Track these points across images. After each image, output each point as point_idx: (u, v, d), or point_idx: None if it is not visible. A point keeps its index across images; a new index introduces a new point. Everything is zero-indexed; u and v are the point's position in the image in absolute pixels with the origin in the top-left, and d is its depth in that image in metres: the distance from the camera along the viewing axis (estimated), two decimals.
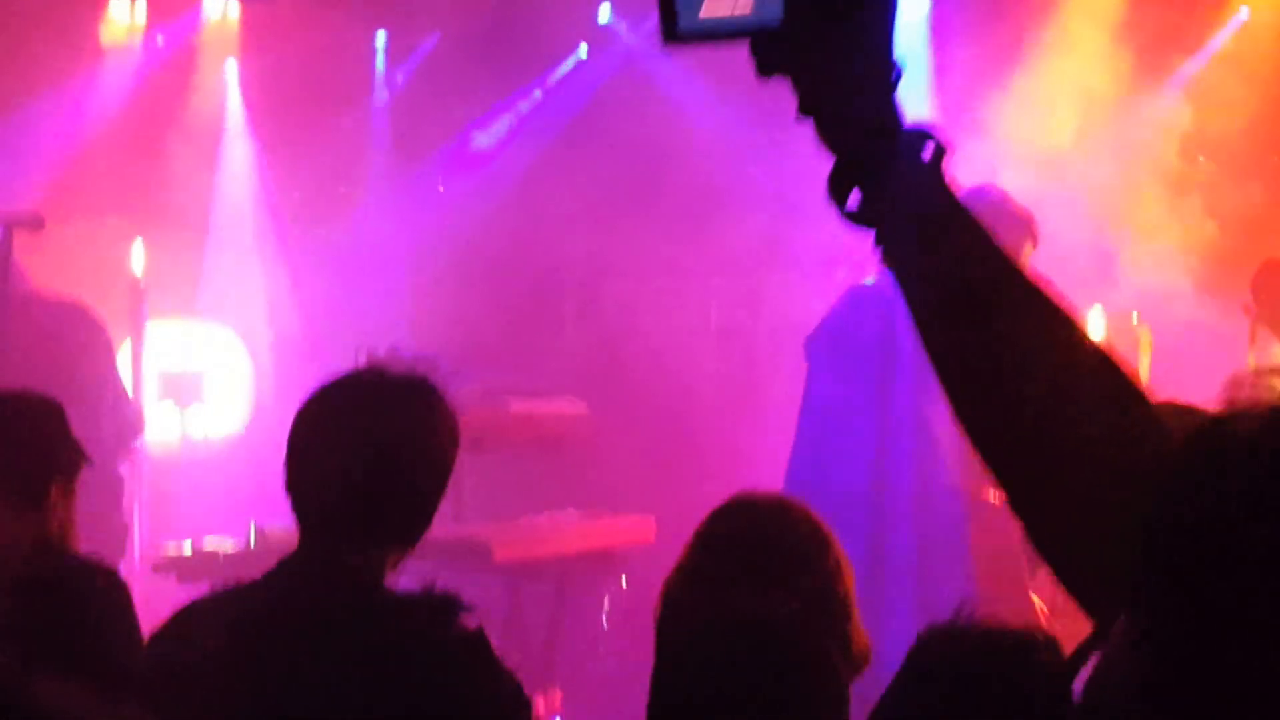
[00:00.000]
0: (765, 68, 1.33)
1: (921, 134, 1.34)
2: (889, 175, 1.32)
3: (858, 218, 1.35)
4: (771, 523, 2.42)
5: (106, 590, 2.90)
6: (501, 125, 8.32)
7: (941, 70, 7.03)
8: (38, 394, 3.08)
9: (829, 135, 1.34)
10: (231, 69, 7.96)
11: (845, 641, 2.37)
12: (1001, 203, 4.46)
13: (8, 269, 4.95)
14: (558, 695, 5.44)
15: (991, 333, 1.31)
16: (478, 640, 2.32)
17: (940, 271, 1.31)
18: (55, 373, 4.68)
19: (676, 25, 1.30)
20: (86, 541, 3.35)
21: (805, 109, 1.33)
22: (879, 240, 1.35)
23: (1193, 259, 6.34)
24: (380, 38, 8.15)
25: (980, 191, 4.45)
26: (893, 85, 1.33)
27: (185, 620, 2.44)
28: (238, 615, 2.35)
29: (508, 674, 2.34)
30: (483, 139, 8.27)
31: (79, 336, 5.10)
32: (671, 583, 2.42)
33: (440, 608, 2.31)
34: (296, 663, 2.27)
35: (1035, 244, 4.49)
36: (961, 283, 1.31)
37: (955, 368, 1.33)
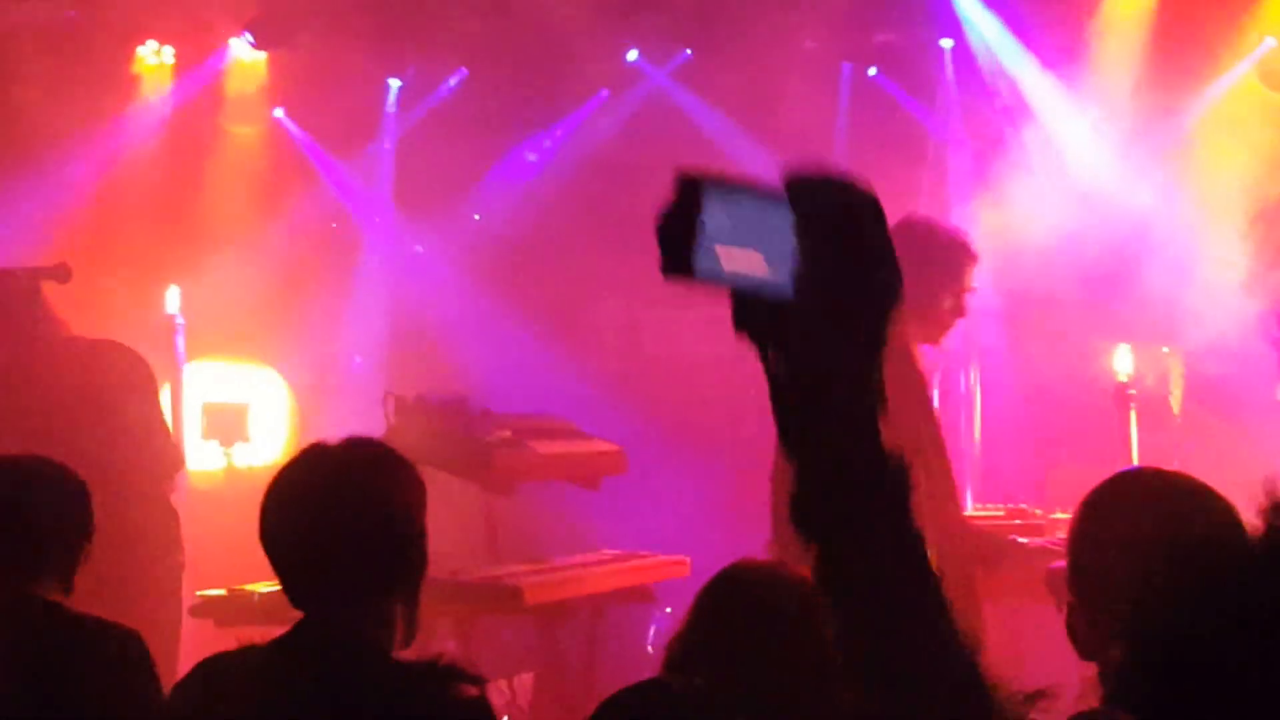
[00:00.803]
0: (747, 329, 1.27)
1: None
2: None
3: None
4: (767, 593, 2.46)
5: (120, 652, 2.93)
6: (534, 159, 8.37)
7: (971, 95, 7.03)
8: (51, 462, 3.13)
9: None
10: (261, 109, 8.06)
11: (842, 713, 2.40)
12: (929, 234, 4.45)
13: (36, 318, 5.03)
14: None
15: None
16: (480, 707, 2.36)
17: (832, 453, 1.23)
18: (98, 411, 4.86)
19: (691, 264, 1.24)
20: (143, 580, 3.43)
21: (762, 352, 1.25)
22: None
23: (1224, 289, 6.28)
24: (394, 86, 8.22)
25: (906, 226, 4.43)
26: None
27: (199, 682, 2.49)
28: (248, 681, 2.40)
29: None
30: (516, 173, 8.33)
31: (119, 374, 5.16)
32: (672, 649, 2.48)
33: (444, 675, 2.35)
34: None
35: (975, 262, 4.44)
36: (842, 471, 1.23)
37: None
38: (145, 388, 5.20)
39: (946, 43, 7.75)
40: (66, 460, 4.04)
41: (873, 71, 8.00)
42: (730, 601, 2.47)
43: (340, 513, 2.43)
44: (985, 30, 7.49)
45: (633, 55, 8.16)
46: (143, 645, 2.97)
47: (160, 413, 5.33)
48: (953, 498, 4.45)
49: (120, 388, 5.08)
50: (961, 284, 4.43)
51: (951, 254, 4.43)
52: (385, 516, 2.46)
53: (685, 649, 2.44)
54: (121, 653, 2.94)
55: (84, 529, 3.07)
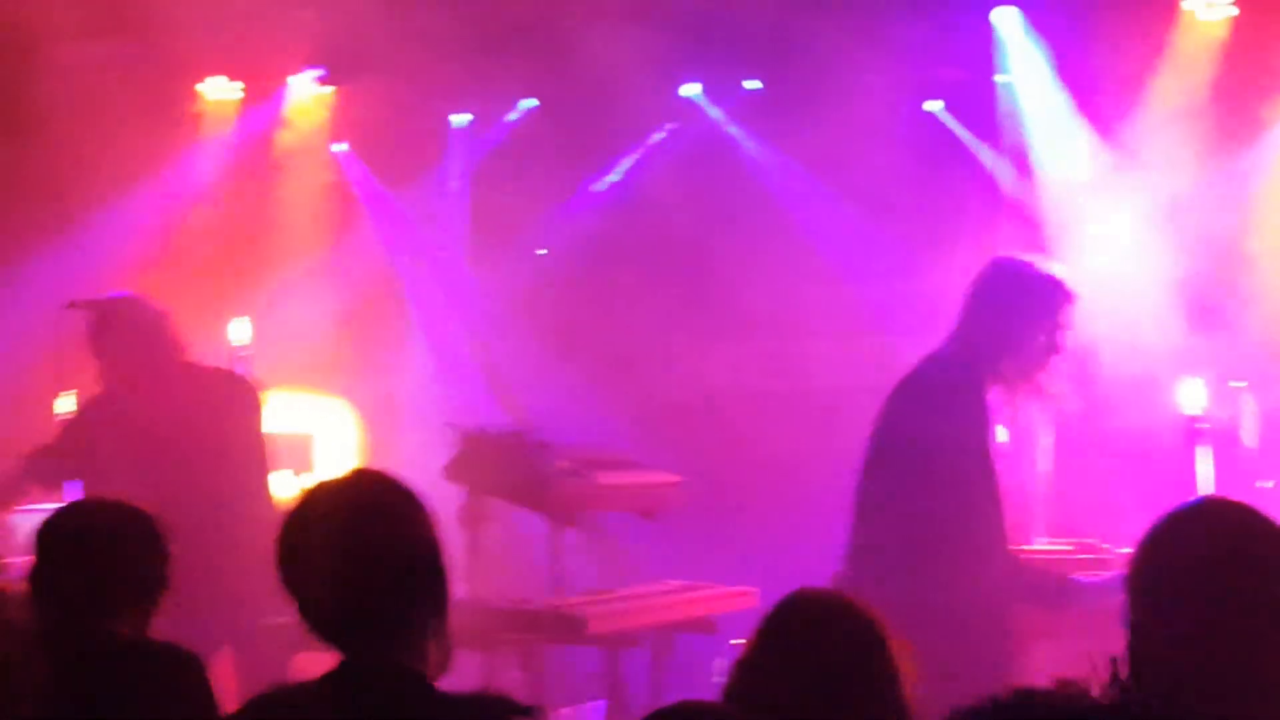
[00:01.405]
0: None
1: None
2: None
3: None
4: (829, 623, 2.46)
5: (178, 674, 2.94)
6: (593, 192, 8.41)
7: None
8: (138, 511, 3.15)
9: None
10: (324, 144, 8.15)
11: None
12: (1019, 273, 4.43)
13: (160, 344, 5.20)
14: None
15: None
16: None
17: None
18: (214, 436, 5.05)
19: None
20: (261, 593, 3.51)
21: None
22: None
23: None
24: (461, 118, 8.28)
25: (996, 266, 4.43)
26: None
27: (251, 715, 2.49)
28: (299, 717, 2.40)
29: None
30: (580, 207, 8.37)
31: (235, 402, 5.29)
32: (734, 676, 2.48)
33: (494, 706, 2.35)
34: None
35: (1071, 301, 4.40)
36: None
37: None
38: (254, 413, 5.30)
39: (1004, 79, 7.69)
40: (177, 482, 4.17)
41: (938, 106, 7.97)
42: (793, 629, 2.46)
43: (351, 544, 2.41)
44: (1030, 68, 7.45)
45: (695, 89, 8.17)
46: (201, 669, 2.98)
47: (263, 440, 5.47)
48: (1001, 540, 4.41)
49: (231, 413, 5.18)
50: (1055, 321, 4.39)
51: (1044, 292, 4.39)
52: (406, 545, 2.44)
53: (747, 676, 2.44)
54: (179, 675, 2.94)
55: (161, 579, 3.09)
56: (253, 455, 5.30)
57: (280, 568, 2.45)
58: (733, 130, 8.12)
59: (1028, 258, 4.61)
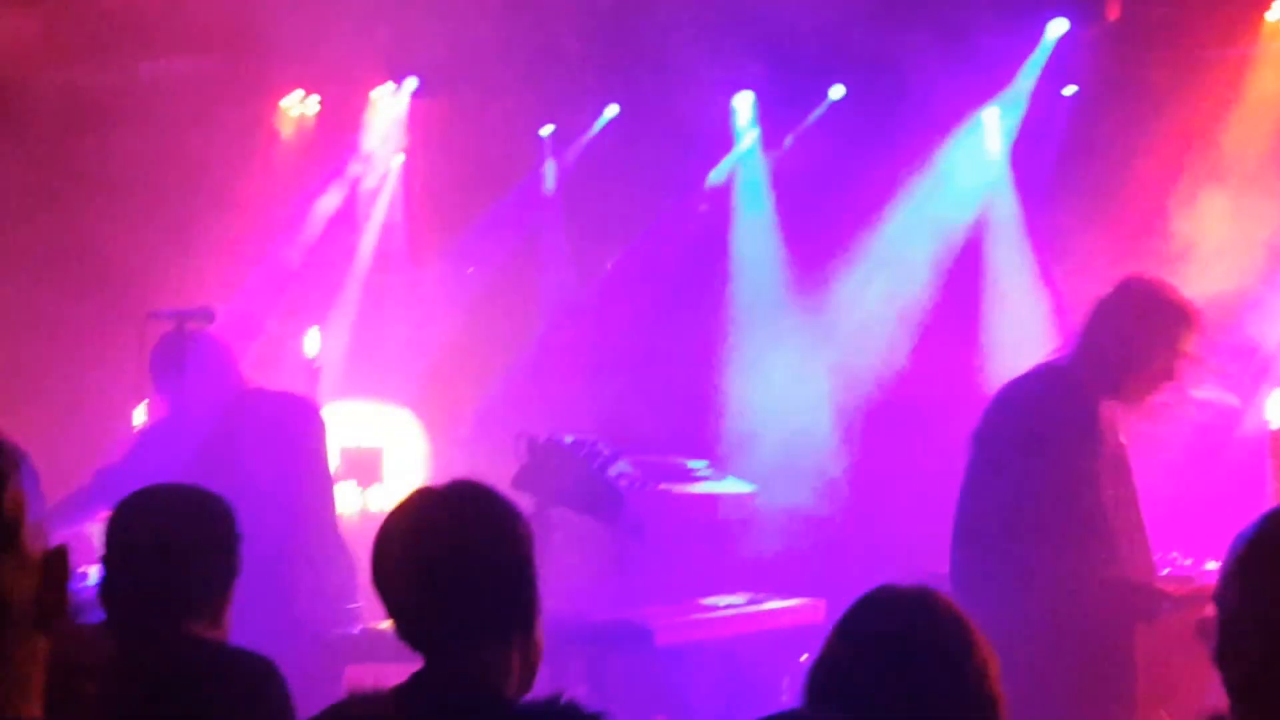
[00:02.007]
0: None
1: None
2: None
3: None
4: (914, 618, 2.39)
5: (258, 680, 2.94)
6: (668, 207, 8.39)
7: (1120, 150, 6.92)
8: (206, 497, 3.11)
9: None
10: (399, 159, 8.20)
11: None
12: (1147, 294, 4.39)
13: (184, 361, 5.18)
14: None
15: None
16: None
17: None
18: (279, 457, 5.06)
19: None
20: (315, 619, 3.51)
21: None
22: None
23: None
24: (547, 129, 8.31)
25: (1125, 285, 4.39)
26: None
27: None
28: None
29: None
30: (656, 218, 8.36)
31: (301, 423, 5.31)
32: (813, 676, 2.41)
33: (563, 715, 2.33)
34: None
35: (1194, 329, 4.39)
36: None
37: None
38: (321, 437, 5.36)
39: (1069, 90, 7.58)
40: (241, 505, 4.20)
41: (992, 114, 7.88)
42: (873, 626, 2.39)
43: (446, 553, 2.41)
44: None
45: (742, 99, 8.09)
46: (279, 676, 2.98)
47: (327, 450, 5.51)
48: (1103, 556, 4.37)
49: (301, 439, 5.23)
50: (1175, 348, 4.36)
51: (1167, 315, 4.37)
52: (492, 555, 2.43)
53: (826, 674, 2.37)
54: (256, 682, 2.94)
55: (233, 566, 3.05)
56: (317, 478, 5.31)
57: (372, 569, 2.46)
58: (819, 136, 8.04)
59: (1161, 280, 4.58)
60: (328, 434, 5.46)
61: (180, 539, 2.96)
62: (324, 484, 5.39)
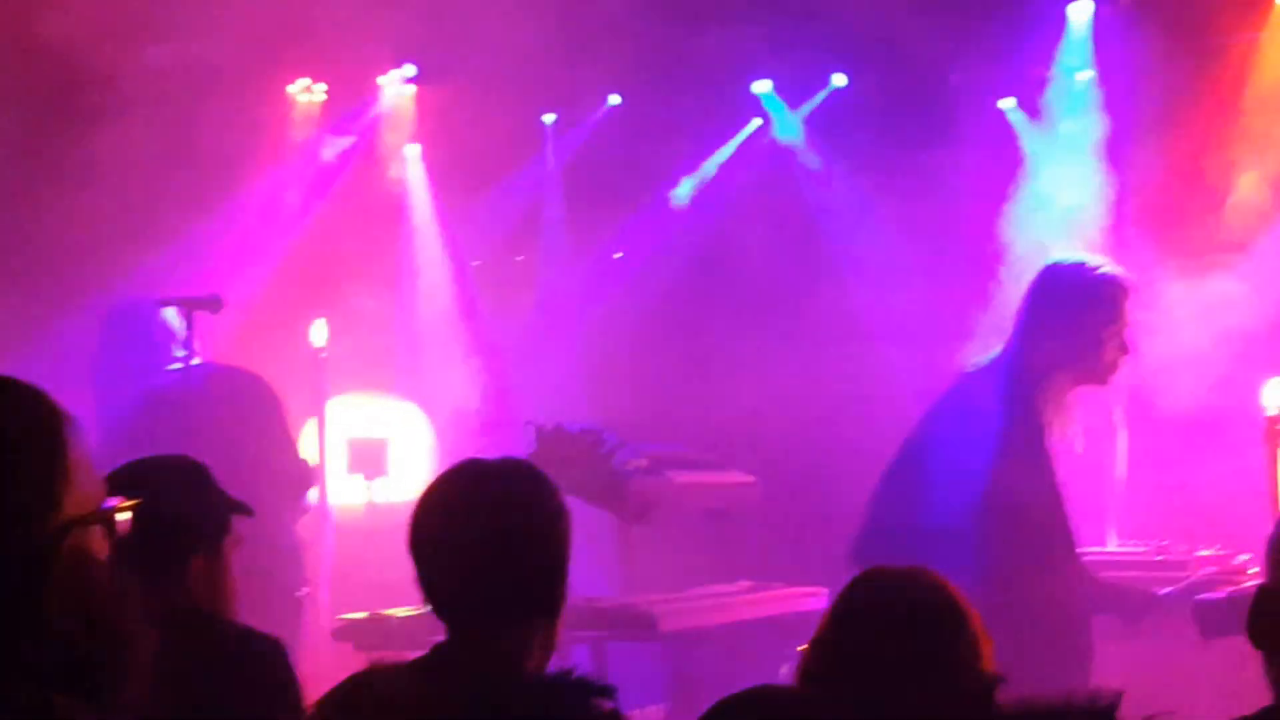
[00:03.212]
0: None
1: None
2: None
3: None
4: (905, 598, 2.41)
5: (264, 657, 2.95)
6: (674, 196, 8.44)
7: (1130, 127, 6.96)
8: (181, 458, 3.10)
9: None
10: (411, 148, 8.24)
11: (985, 718, 2.35)
12: (1076, 276, 4.41)
13: (192, 346, 5.22)
14: None
15: None
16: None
17: None
18: (225, 433, 4.96)
19: None
20: (258, 604, 3.52)
21: None
22: None
23: None
24: (549, 118, 8.35)
25: (1052, 274, 4.39)
26: None
27: (345, 695, 2.50)
28: (390, 697, 2.42)
29: None
30: (657, 208, 8.41)
31: (248, 399, 5.31)
32: (809, 656, 2.43)
33: (578, 689, 2.36)
34: None
35: (1132, 295, 4.41)
36: None
37: None
38: (264, 409, 5.33)
39: (1085, 75, 7.63)
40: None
41: (1011, 103, 7.93)
42: (867, 605, 2.42)
43: (495, 529, 2.42)
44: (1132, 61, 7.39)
45: (765, 86, 8.15)
46: (286, 654, 2.99)
47: (283, 432, 5.46)
48: (1072, 553, 4.38)
49: (248, 416, 5.22)
50: (1121, 320, 4.36)
51: (1105, 291, 4.37)
52: (539, 537, 2.44)
53: (822, 654, 2.40)
54: (266, 660, 2.96)
55: (225, 523, 3.03)
56: (261, 453, 5.23)
57: (413, 537, 2.47)
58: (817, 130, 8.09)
59: (1080, 258, 4.57)
60: (273, 404, 5.41)
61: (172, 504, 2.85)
62: (278, 462, 5.32)
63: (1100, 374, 4.43)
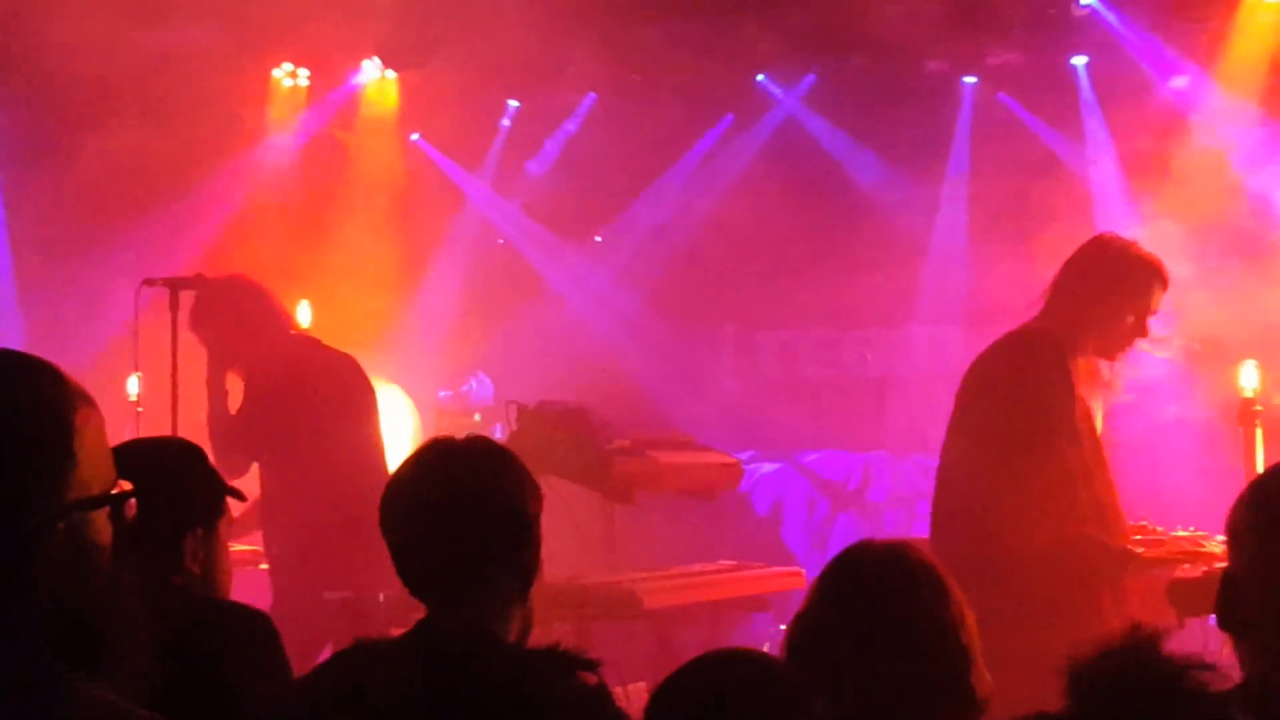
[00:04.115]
0: None
1: None
2: None
3: None
4: (889, 572, 2.44)
5: (249, 633, 2.96)
6: (659, 183, 8.49)
7: (1111, 111, 7.02)
8: (177, 440, 3.17)
9: None
10: (390, 130, 8.28)
11: (965, 691, 2.40)
12: (1121, 252, 4.50)
13: (176, 324, 5.24)
14: None
15: None
16: (600, 694, 2.39)
17: None
18: (342, 414, 5.10)
19: None
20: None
21: None
22: None
23: None
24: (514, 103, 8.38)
25: (1100, 243, 4.50)
26: None
27: (333, 667, 2.56)
28: (377, 670, 2.45)
29: None
30: (641, 196, 8.46)
31: (361, 385, 5.38)
32: (792, 630, 2.46)
33: (562, 663, 2.38)
34: None
35: (1165, 287, 4.48)
36: None
37: None
38: (374, 400, 5.38)
39: (1079, 60, 7.71)
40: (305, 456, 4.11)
41: (998, 93, 8.00)
42: (852, 579, 2.45)
43: (459, 505, 2.46)
44: (1127, 42, 7.46)
45: (759, 78, 8.23)
46: (271, 626, 3.00)
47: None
48: (1081, 508, 4.45)
49: (360, 395, 5.30)
50: (1146, 304, 4.46)
51: (1140, 273, 4.46)
52: (505, 510, 2.49)
53: (807, 628, 2.43)
54: (251, 632, 2.96)
55: (204, 513, 3.02)
56: (370, 443, 5.32)
57: (381, 517, 2.51)
58: (796, 119, 8.15)
59: (1130, 238, 4.67)
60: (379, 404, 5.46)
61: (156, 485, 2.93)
62: (379, 448, 5.40)
63: (1110, 348, 4.51)
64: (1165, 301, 4.56)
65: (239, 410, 5.19)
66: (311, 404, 5.08)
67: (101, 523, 1.60)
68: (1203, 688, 1.33)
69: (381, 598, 5.24)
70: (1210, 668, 1.38)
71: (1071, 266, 4.53)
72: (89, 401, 1.60)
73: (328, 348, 5.38)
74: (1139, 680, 1.40)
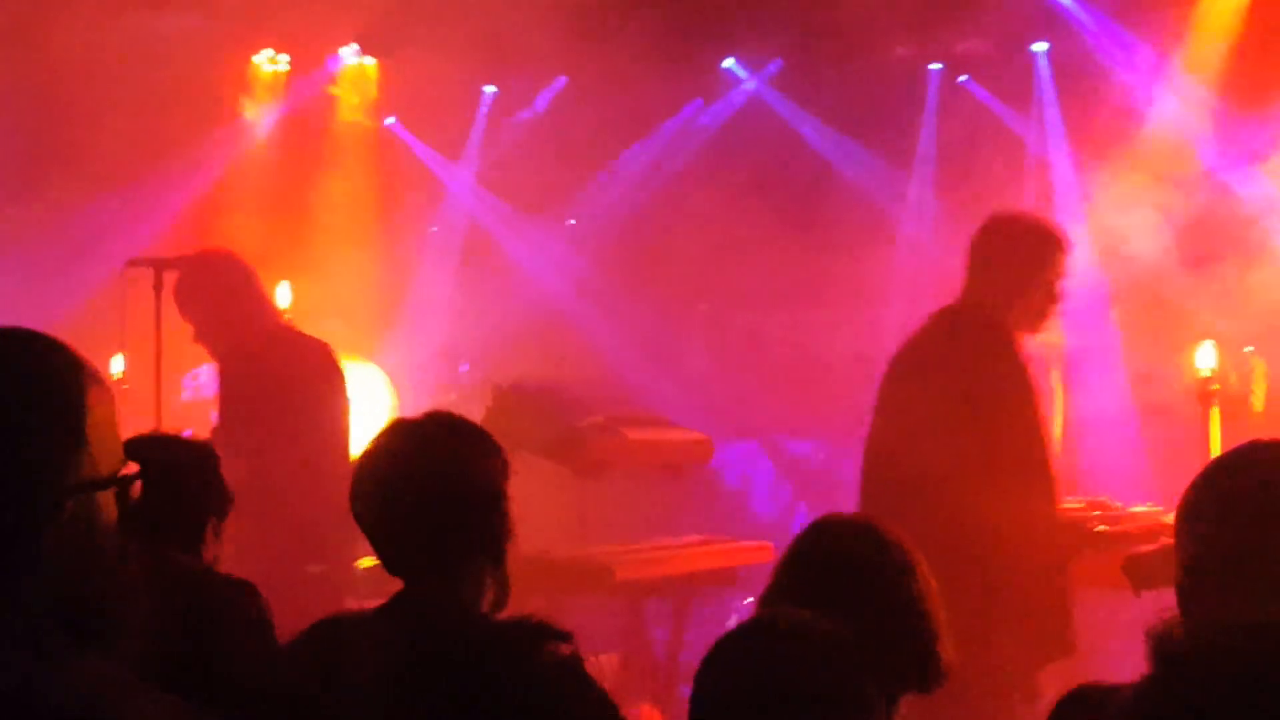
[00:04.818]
0: None
1: None
2: None
3: None
4: (857, 546, 2.46)
5: (237, 602, 3.08)
6: (629, 162, 8.57)
7: (1068, 97, 7.11)
8: (196, 440, 3.33)
9: None
10: (368, 115, 8.36)
11: (933, 661, 2.45)
12: (1013, 225, 4.59)
13: (160, 304, 5.30)
14: (678, 709, 5.61)
15: None
16: (572, 664, 2.41)
17: None
18: (310, 400, 5.12)
19: None
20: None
21: None
22: None
23: None
24: (490, 92, 8.44)
25: (992, 221, 4.60)
26: None
27: (312, 640, 2.61)
28: (355, 641, 2.52)
29: (603, 697, 2.43)
30: (614, 179, 8.54)
31: (330, 372, 5.36)
32: (764, 601, 2.49)
33: (535, 633, 2.41)
34: (399, 692, 2.42)
35: (1067, 251, 4.56)
36: None
37: None
38: (344, 387, 5.39)
39: (1040, 46, 7.83)
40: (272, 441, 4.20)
41: (963, 78, 8.12)
42: (820, 552, 2.47)
43: (419, 480, 2.50)
44: (1088, 29, 7.58)
45: (729, 63, 8.33)
46: (259, 597, 3.13)
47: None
48: (1047, 493, 4.53)
49: (327, 382, 5.29)
50: (1053, 271, 4.54)
51: (1038, 242, 4.55)
52: (463, 481, 2.51)
53: (775, 601, 2.45)
54: (238, 603, 3.08)
55: (212, 505, 3.22)
56: (339, 427, 5.33)
57: (351, 497, 2.56)
58: (765, 103, 8.24)
59: (1023, 211, 4.75)
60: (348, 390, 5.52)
61: (168, 483, 3.04)
62: (344, 436, 5.39)
63: (1033, 320, 4.58)
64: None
65: (220, 416, 5.21)
66: (283, 393, 5.10)
67: (108, 502, 1.60)
68: None
69: (360, 571, 5.34)
70: None
71: (979, 247, 4.57)
72: (99, 381, 1.60)
73: (301, 335, 5.39)
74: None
